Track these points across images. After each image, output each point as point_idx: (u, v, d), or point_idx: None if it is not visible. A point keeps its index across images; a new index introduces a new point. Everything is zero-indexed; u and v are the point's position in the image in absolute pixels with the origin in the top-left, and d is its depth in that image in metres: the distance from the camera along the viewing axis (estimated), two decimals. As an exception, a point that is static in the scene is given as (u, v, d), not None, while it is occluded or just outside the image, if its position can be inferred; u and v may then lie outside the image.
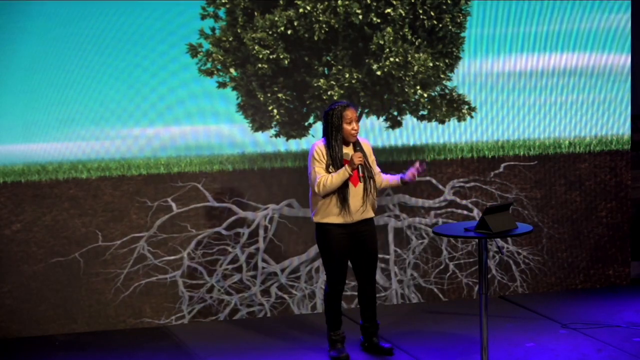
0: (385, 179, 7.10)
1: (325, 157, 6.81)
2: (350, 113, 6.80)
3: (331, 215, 6.87)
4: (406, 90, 8.32)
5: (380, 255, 8.51)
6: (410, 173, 6.97)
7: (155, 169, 8.11)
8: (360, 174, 6.85)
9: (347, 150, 6.87)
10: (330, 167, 6.82)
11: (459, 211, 8.72)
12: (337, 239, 6.91)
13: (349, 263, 7.11)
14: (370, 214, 6.97)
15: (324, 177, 6.76)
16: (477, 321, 6.83)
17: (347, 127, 6.80)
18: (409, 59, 8.24)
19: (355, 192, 6.84)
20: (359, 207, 6.87)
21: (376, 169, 7.06)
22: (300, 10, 8.08)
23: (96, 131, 7.97)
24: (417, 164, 6.97)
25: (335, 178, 6.75)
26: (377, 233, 7.11)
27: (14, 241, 7.90)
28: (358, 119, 6.86)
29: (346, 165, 6.74)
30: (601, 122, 8.96)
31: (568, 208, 8.97)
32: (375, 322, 7.25)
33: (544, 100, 8.84)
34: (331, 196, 6.83)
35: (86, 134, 7.95)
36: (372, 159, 7.00)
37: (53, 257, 7.97)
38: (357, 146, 6.91)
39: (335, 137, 6.81)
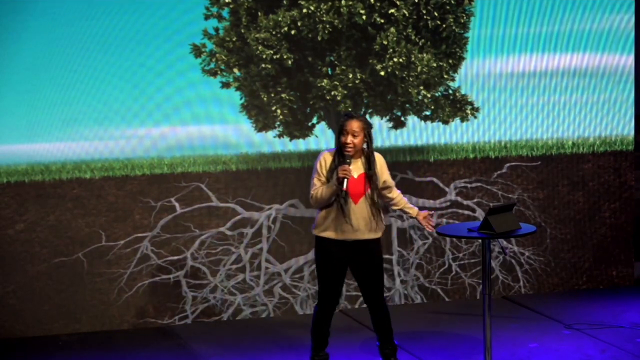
0: (400, 200, 6.65)
1: (327, 168, 6.45)
2: (348, 125, 6.37)
3: (328, 230, 6.47)
4: (410, 90, 8.32)
5: (384, 256, 8.48)
6: (425, 220, 6.64)
7: (158, 169, 8.11)
8: (345, 188, 6.30)
9: (360, 164, 6.47)
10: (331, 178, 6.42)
11: (462, 211, 8.72)
12: (332, 257, 6.49)
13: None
14: (373, 234, 6.53)
15: (315, 190, 6.44)
16: (480, 321, 6.82)
17: (341, 138, 6.42)
18: (413, 59, 8.24)
19: (356, 209, 6.43)
20: (359, 226, 6.44)
21: (390, 182, 6.58)
22: (304, 10, 8.07)
23: (100, 131, 7.97)
24: (427, 218, 6.64)
25: (324, 191, 6.37)
26: (382, 251, 6.68)
27: (18, 241, 7.90)
28: (360, 134, 6.38)
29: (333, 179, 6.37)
30: (605, 122, 8.95)
31: (571, 208, 8.96)
32: (390, 344, 6.79)
33: (547, 100, 8.84)
34: (330, 210, 6.45)
35: (90, 133, 7.96)
36: (383, 178, 6.53)
37: (56, 257, 7.97)
38: (368, 161, 6.46)
39: (339, 147, 6.44)
